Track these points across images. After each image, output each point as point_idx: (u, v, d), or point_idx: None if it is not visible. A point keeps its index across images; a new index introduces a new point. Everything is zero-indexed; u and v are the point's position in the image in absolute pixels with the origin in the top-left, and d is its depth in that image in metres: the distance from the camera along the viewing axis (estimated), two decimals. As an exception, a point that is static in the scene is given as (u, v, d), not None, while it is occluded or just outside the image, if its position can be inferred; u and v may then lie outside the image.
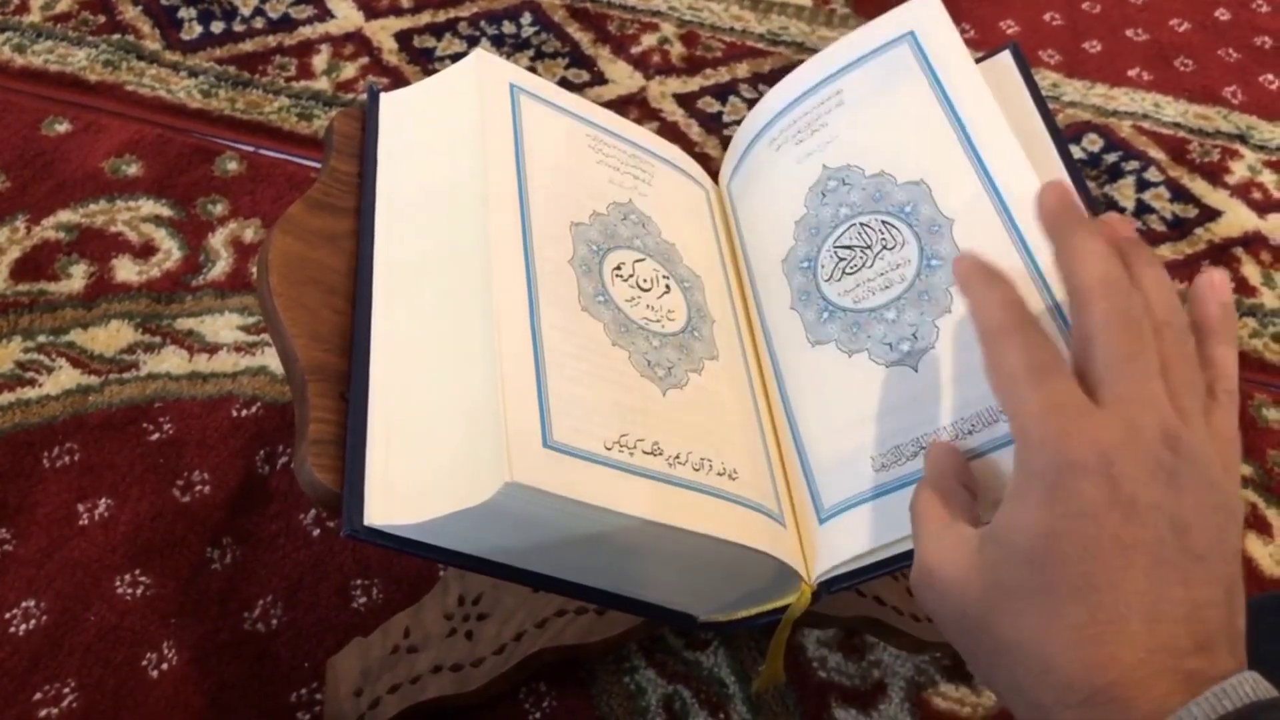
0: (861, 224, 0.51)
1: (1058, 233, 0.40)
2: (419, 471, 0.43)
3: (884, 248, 0.50)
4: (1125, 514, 0.34)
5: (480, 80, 0.54)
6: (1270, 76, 1.12)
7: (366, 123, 0.57)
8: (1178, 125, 1.07)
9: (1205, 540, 0.35)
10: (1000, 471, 0.43)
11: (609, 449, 0.44)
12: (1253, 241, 0.97)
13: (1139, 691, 0.32)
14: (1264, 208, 1.00)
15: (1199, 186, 1.01)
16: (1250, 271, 0.95)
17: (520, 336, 0.45)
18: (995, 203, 0.48)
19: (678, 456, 0.46)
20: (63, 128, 0.97)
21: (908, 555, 0.45)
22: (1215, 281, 0.41)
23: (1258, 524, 0.79)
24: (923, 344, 0.47)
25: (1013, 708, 0.36)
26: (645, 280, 0.52)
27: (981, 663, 0.37)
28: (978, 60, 0.54)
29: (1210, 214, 0.99)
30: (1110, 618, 0.33)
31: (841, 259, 0.51)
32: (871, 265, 0.50)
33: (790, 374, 0.51)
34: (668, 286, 0.52)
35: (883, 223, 0.51)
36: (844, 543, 0.47)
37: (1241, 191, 1.01)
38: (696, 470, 0.46)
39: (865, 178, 0.52)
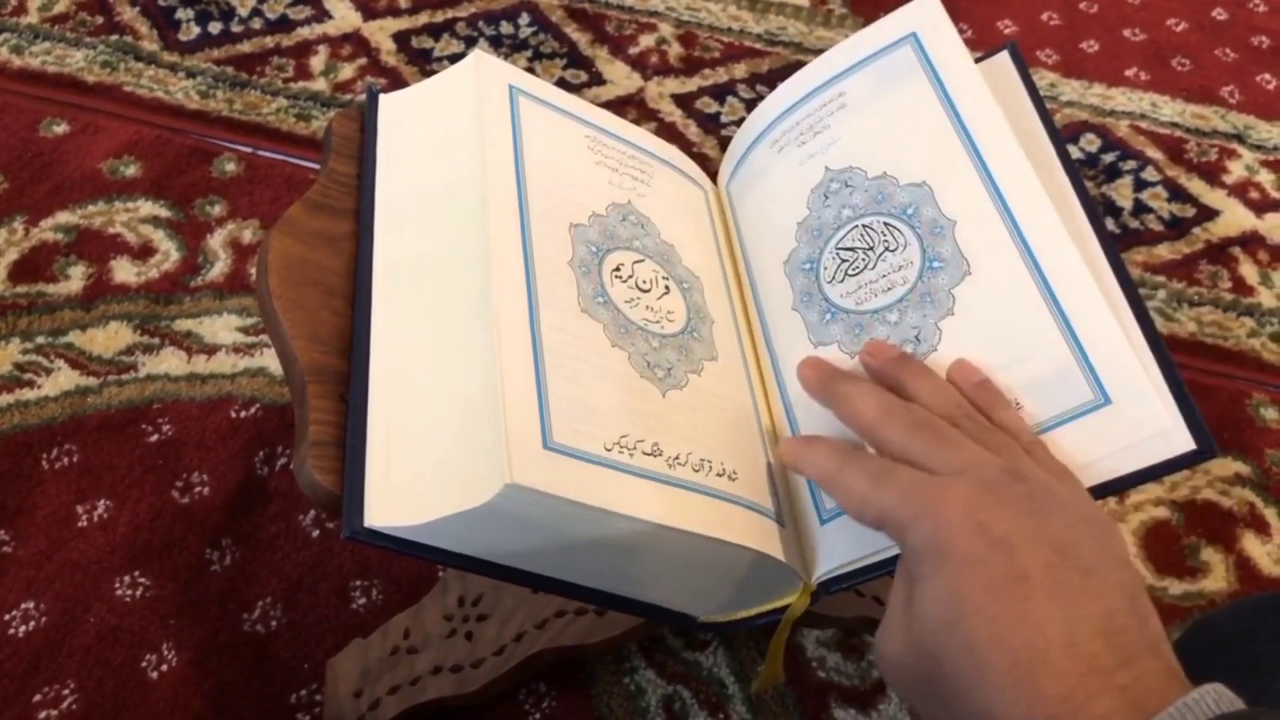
0: (864, 226, 0.51)
1: (827, 394, 0.46)
2: (419, 473, 0.43)
3: (886, 249, 0.50)
4: (1006, 551, 0.36)
5: (479, 82, 0.54)
6: (1268, 76, 1.12)
7: (365, 124, 0.57)
8: (1175, 125, 1.07)
9: (1087, 553, 0.37)
10: None
11: (609, 450, 0.44)
12: (1250, 241, 0.97)
13: (1080, 716, 0.33)
14: (1261, 207, 1.00)
15: (1196, 186, 1.01)
16: (1248, 271, 0.95)
17: (520, 338, 0.45)
18: (997, 204, 0.48)
19: (677, 457, 0.46)
20: (61, 129, 0.97)
21: None
22: (961, 370, 0.45)
23: (1255, 523, 0.79)
24: (925, 346, 0.47)
25: None
26: (645, 281, 0.52)
27: None
28: (976, 60, 0.54)
29: (1208, 213, 0.99)
30: (1031, 653, 0.35)
31: (844, 260, 0.51)
32: (874, 267, 0.50)
33: (792, 374, 0.51)
34: (667, 287, 0.52)
35: (885, 224, 0.51)
36: (845, 544, 0.47)
37: (1239, 191, 1.01)
38: (696, 471, 0.46)
39: (867, 180, 0.52)
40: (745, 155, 0.58)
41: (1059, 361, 0.45)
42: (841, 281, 0.51)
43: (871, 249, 0.50)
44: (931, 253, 0.49)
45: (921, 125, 0.52)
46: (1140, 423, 0.43)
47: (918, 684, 0.38)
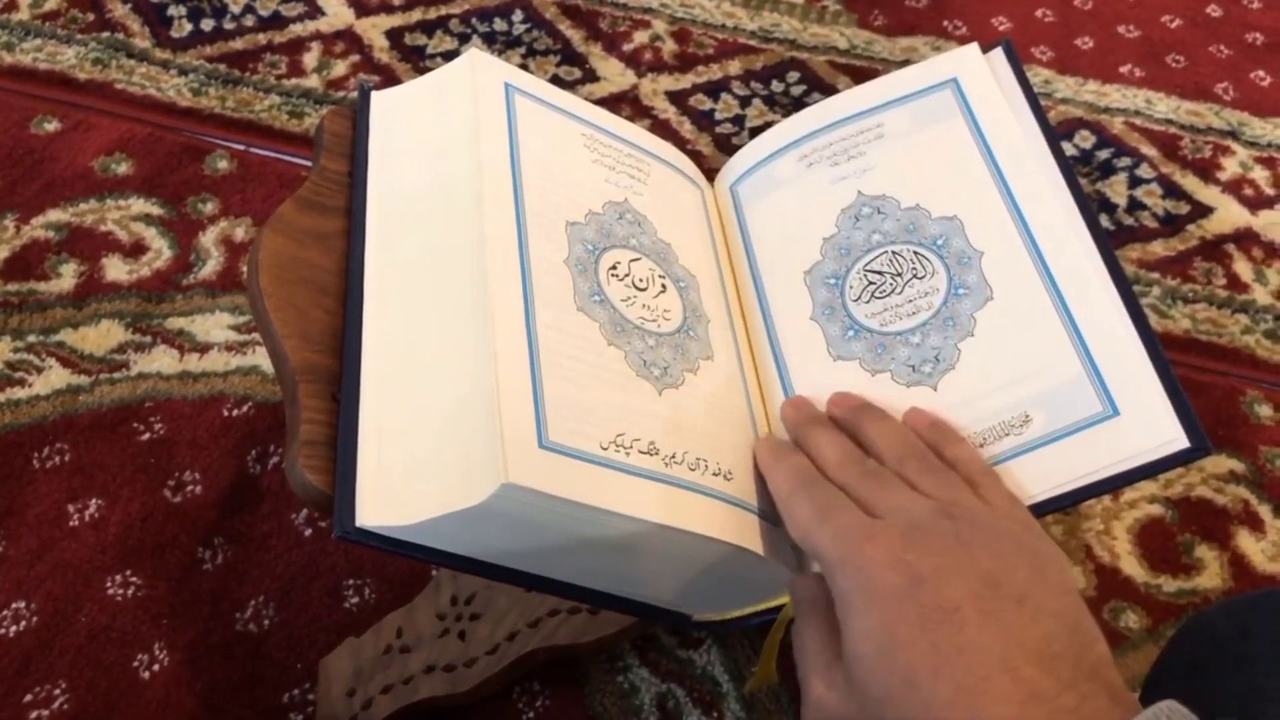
0: (894, 252, 0.53)
1: (799, 436, 0.49)
2: (411, 472, 0.43)
3: (914, 276, 0.52)
4: (934, 585, 0.37)
5: (475, 79, 0.54)
6: (1262, 73, 1.12)
7: (357, 121, 0.56)
8: (1169, 122, 1.07)
9: (1020, 581, 0.37)
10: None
11: (605, 449, 0.44)
12: (1244, 238, 0.97)
13: None
14: (1255, 204, 1.00)
15: (1191, 183, 1.01)
16: (1242, 268, 0.95)
17: (515, 336, 0.45)
18: (1024, 236, 0.51)
19: (673, 456, 0.46)
20: (52, 126, 0.97)
21: None
22: (914, 416, 0.48)
23: (1249, 520, 0.79)
24: (944, 365, 0.49)
25: None
26: (641, 280, 0.51)
27: None
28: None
29: (1202, 210, 0.99)
30: (973, 680, 0.35)
31: (871, 283, 0.53)
32: (901, 292, 0.52)
33: (802, 382, 0.52)
34: (663, 286, 0.52)
35: (914, 252, 0.53)
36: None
37: (1233, 188, 1.01)
38: (692, 470, 0.46)
39: (900, 209, 0.54)
40: (766, 161, 0.59)
41: (1070, 375, 0.46)
42: (868, 302, 0.52)
43: (900, 275, 0.52)
44: (957, 280, 0.51)
45: (956, 164, 0.54)
46: (1146, 436, 0.44)
47: None
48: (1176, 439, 0.44)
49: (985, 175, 0.53)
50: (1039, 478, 0.45)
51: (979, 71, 0.56)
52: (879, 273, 0.53)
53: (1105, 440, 0.45)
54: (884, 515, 0.41)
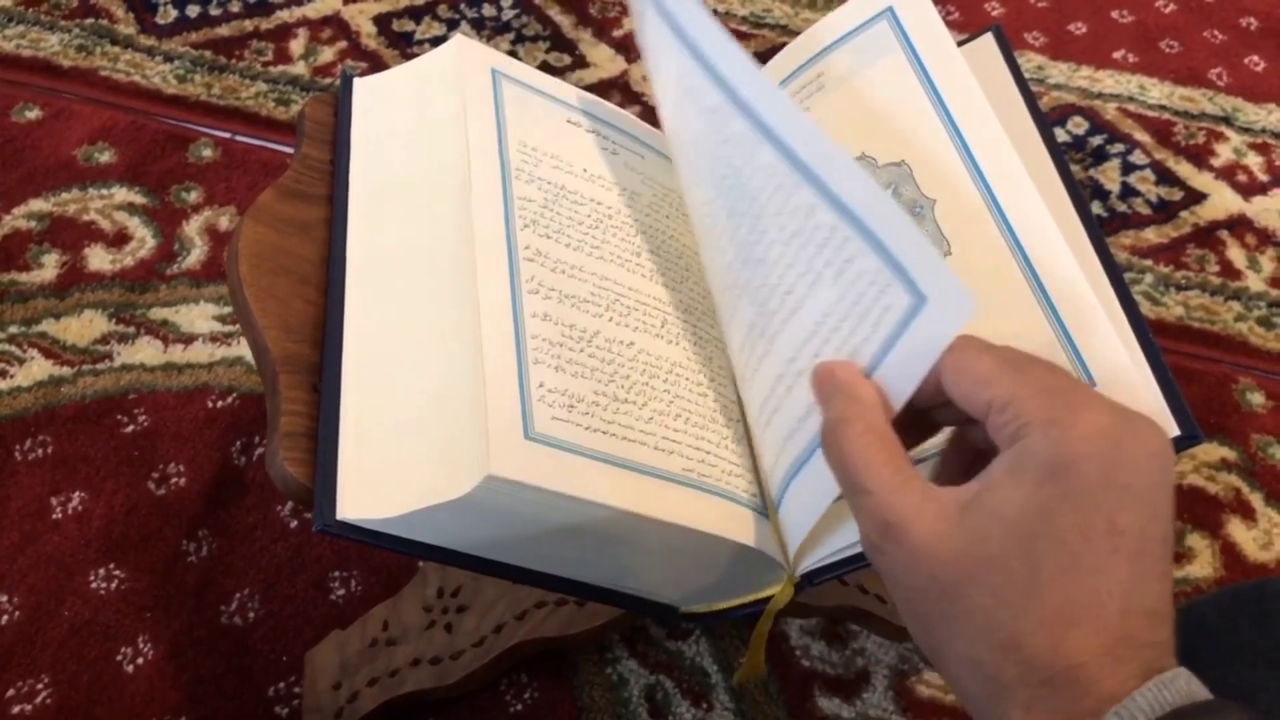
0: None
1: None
2: (394, 464, 0.43)
3: None
4: (1120, 499, 0.34)
5: (461, 66, 0.53)
6: (1255, 58, 1.12)
7: (339, 109, 0.56)
8: (1163, 107, 1.06)
9: (1170, 530, 0.35)
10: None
11: (590, 440, 0.43)
12: (1237, 224, 0.97)
13: (1100, 676, 0.33)
14: (1249, 190, 1.00)
15: (1184, 169, 1.01)
16: (1235, 255, 0.95)
17: (501, 326, 0.44)
18: (978, 182, 0.48)
19: (659, 447, 0.45)
20: (33, 114, 0.96)
21: None
22: None
23: (1241, 508, 0.79)
24: None
25: (960, 681, 0.36)
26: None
27: (940, 632, 0.36)
28: (960, 43, 0.53)
29: (1196, 197, 0.99)
30: (1089, 602, 0.33)
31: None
32: None
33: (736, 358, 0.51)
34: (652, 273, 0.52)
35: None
36: (829, 535, 0.46)
37: (1227, 174, 1.01)
38: (681, 461, 0.45)
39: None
40: None
41: (1042, 342, 0.45)
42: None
43: None
44: None
45: (899, 103, 0.51)
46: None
47: (936, 575, 0.35)
48: (1157, 415, 0.43)
49: (930, 113, 0.50)
50: None
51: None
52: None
53: None
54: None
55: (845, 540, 0.46)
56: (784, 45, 0.57)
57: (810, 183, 0.40)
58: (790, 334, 0.42)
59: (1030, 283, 0.45)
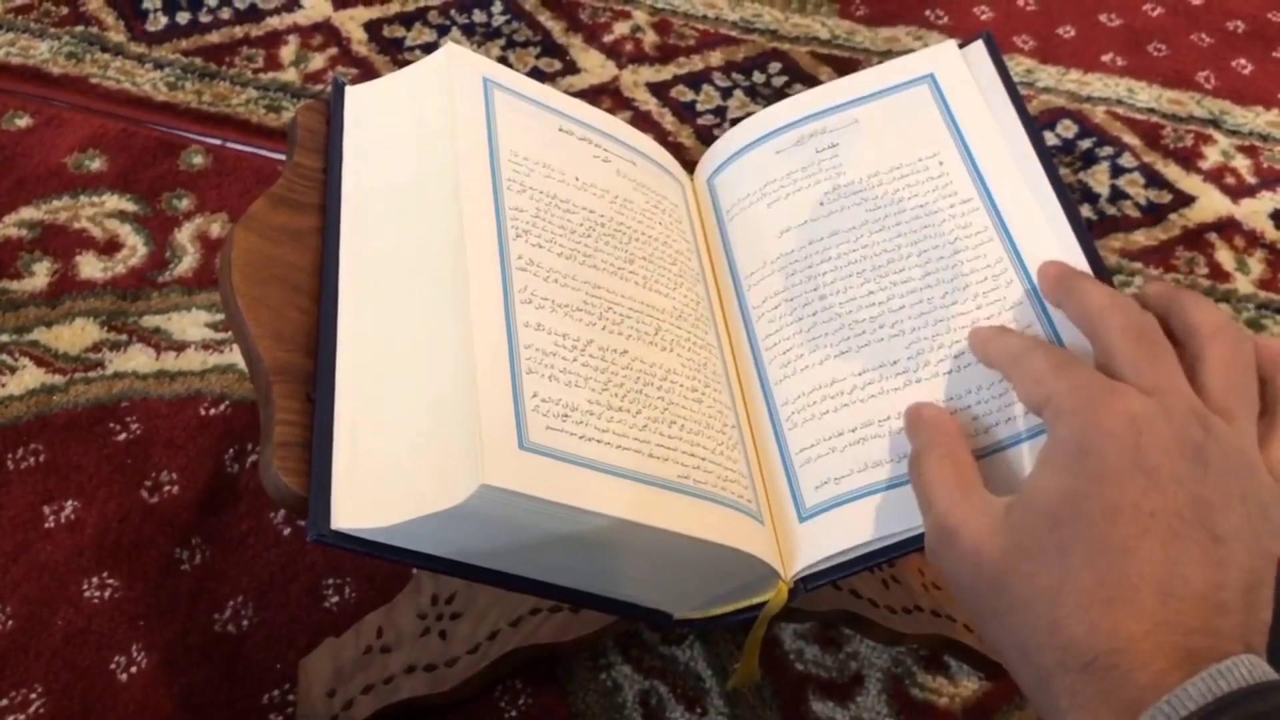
0: (868, 241, 0.52)
1: (1064, 288, 0.45)
2: (387, 474, 0.43)
3: (888, 264, 0.51)
4: (1148, 481, 0.35)
5: (452, 74, 0.53)
6: (1243, 61, 1.12)
7: (331, 116, 0.56)
8: (1151, 110, 1.06)
9: (1228, 524, 0.35)
10: (1007, 471, 0.44)
11: (584, 449, 0.43)
12: (1226, 227, 0.97)
13: (1139, 663, 0.33)
14: (1237, 193, 1.00)
15: (1173, 172, 1.01)
16: (1224, 257, 0.95)
17: (495, 335, 0.44)
18: (1001, 234, 0.50)
19: (654, 454, 0.45)
20: (23, 122, 0.95)
21: (888, 550, 0.45)
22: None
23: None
24: (924, 356, 0.48)
25: (1017, 672, 0.37)
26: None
27: (991, 625, 0.38)
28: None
29: (1184, 199, 0.99)
30: (1122, 584, 0.34)
31: (845, 272, 0.52)
32: (875, 280, 0.51)
33: (776, 375, 0.51)
34: (645, 281, 0.52)
35: (891, 240, 0.52)
36: (825, 541, 0.47)
37: (1215, 176, 1.01)
38: (675, 468, 0.45)
39: (875, 199, 0.53)
40: (740, 154, 0.58)
41: None
42: (842, 291, 0.52)
43: (875, 264, 0.52)
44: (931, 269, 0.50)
45: (929, 152, 0.54)
46: None
47: (982, 570, 0.37)
48: None
49: (959, 165, 0.53)
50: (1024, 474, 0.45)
51: (955, 67, 0.56)
52: (853, 262, 0.52)
53: None
54: (1138, 386, 0.38)
55: (839, 545, 0.46)
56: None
57: (1026, 287, 0.48)
58: (940, 387, 0.47)
59: (1042, 321, 0.47)
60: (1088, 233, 0.49)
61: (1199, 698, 0.31)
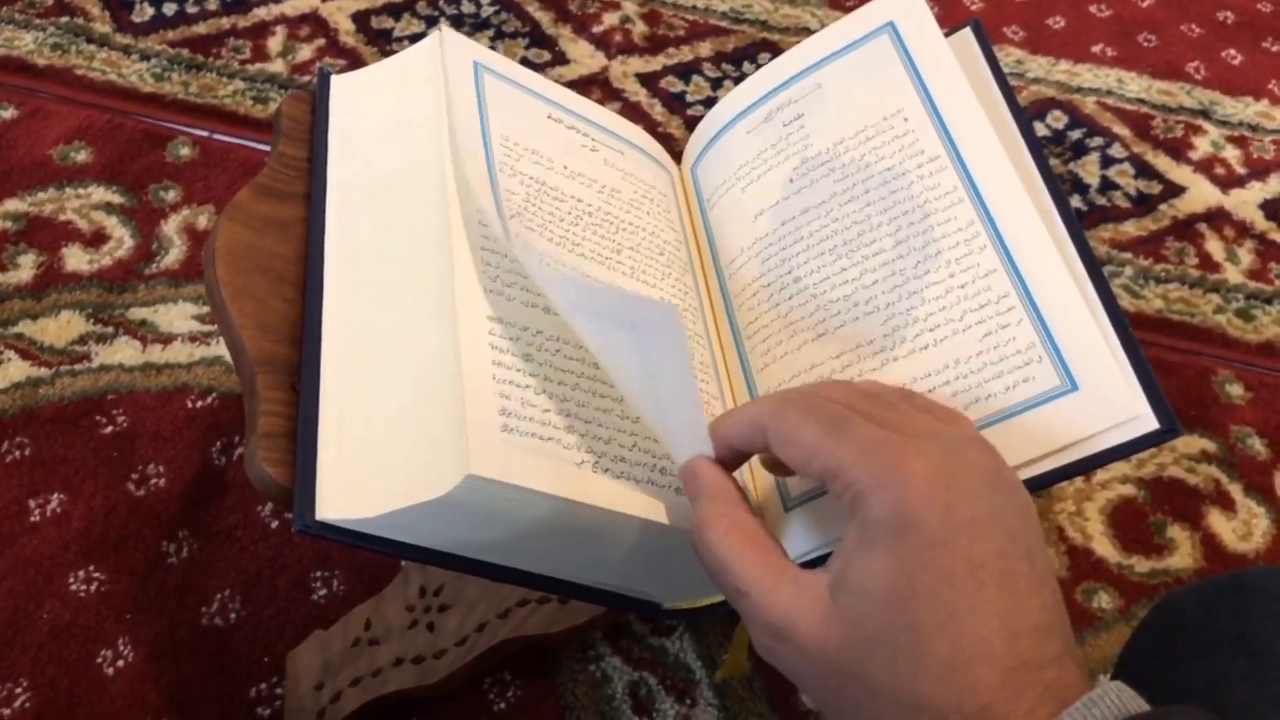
0: (836, 216, 0.51)
1: (745, 439, 0.40)
2: (373, 464, 0.43)
3: (859, 239, 0.50)
4: (972, 532, 0.35)
5: (445, 57, 0.53)
6: (1233, 51, 1.12)
7: (316, 106, 0.55)
8: (1141, 101, 1.06)
9: (1031, 538, 0.36)
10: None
11: (571, 438, 0.43)
12: (1216, 217, 0.97)
13: (1009, 708, 0.33)
14: (1226, 183, 1.00)
15: (1163, 162, 1.01)
16: (1214, 247, 0.95)
17: (481, 325, 0.44)
18: (969, 190, 0.48)
19: (639, 445, 0.45)
20: (8, 114, 0.95)
21: None
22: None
23: (1221, 500, 0.79)
24: (900, 333, 0.47)
25: None
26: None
27: (852, 715, 0.36)
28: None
29: (1174, 190, 0.99)
30: (974, 643, 0.34)
31: (818, 250, 0.51)
32: (848, 256, 0.50)
33: (759, 361, 0.51)
34: (633, 271, 0.51)
35: (861, 211, 0.51)
36: (812, 530, 0.46)
37: (1204, 167, 1.01)
38: (658, 458, 0.45)
39: (844, 168, 0.52)
40: (715, 139, 0.57)
41: (1023, 344, 0.45)
42: (816, 270, 0.50)
43: (845, 239, 0.50)
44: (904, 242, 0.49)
45: (895, 116, 0.52)
46: (1107, 410, 0.43)
47: (832, 665, 0.36)
48: (1141, 416, 0.43)
49: (927, 125, 0.51)
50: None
51: (916, 12, 0.54)
52: (824, 239, 0.51)
53: (1062, 416, 0.43)
54: (906, 435, 0.37)
55: (827, 536, 0.46)
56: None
57: (1000, 252, 0.46)
58: (916, 364, 0.46)
59: (1018, 290, 0.46)
60: (1079, 224, 0.48)
61: None
